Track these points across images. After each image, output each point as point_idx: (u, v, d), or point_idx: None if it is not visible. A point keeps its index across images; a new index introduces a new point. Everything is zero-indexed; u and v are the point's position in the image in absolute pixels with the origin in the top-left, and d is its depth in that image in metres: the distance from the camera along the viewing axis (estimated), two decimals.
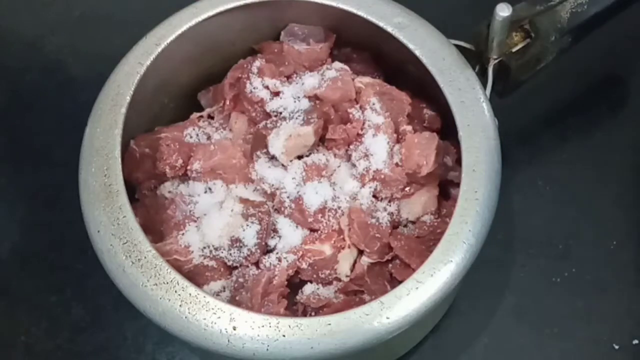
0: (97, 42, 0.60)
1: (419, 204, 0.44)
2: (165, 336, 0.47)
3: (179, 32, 0.43)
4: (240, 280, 0.41)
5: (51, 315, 0.50)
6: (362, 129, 0.43)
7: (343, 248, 0.42)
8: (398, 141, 0.44)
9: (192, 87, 0.48)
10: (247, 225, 0.41)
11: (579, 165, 0.53)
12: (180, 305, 0.36)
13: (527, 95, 0.48)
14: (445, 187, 0.45)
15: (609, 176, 0.53)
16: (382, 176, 0.42)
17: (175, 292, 0.36)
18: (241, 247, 0.41)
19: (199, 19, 0.44)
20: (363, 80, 0.45)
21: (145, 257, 0.37)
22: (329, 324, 0.35)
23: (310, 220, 0.42)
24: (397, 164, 0.43)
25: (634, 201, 0.52)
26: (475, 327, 0.49)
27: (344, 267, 0.42)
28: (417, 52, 0.43)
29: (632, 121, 0.55)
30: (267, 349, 0.35)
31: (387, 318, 0.35)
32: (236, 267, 0.42)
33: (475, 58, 0.44)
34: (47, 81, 0.59)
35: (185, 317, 0.36)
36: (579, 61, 0.53)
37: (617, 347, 0.48)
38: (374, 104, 0.44)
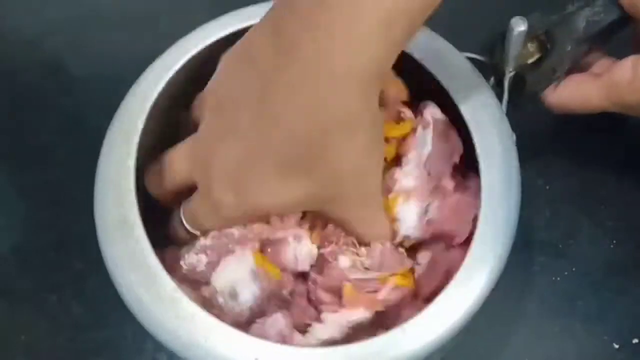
0: (98, 41, 0.60)
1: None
2: None
3: (190, 55, 0.43)
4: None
5: (51, 314, 0.50)
6: (389, 193, 0.40)
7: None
8: (434, 195, 0.41)
9: None
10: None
11: (579, 165, 0.53)
12: (204, 339, 0.35)
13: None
14: None
15: (609, 176, 0.53)
16: (410, 238, 0.41)
17: (196, 324, 0.36)
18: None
19: (209, 41, 0.43)
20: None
21: (164, 291, 0.37)
22: (348, 355, 0.35)
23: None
24: (427, 222, 0.41)
25: (634, 201, 0.52)
26: (475, 326, 0.49)
27: None
28: (429, 67, 0.42)
29: (632, 120, 0.55)
30: None
31: (410, 345, 0.35)
32: None
33: (490, 70, 0.44)
34: (47, 81, 0.59)
35: (207, 351, 0.35)
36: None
37: (617, 346, 0.48)
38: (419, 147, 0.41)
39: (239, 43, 0.39)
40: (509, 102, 0.44)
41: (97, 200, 0.40)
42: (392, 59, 0.35)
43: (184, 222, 0.41)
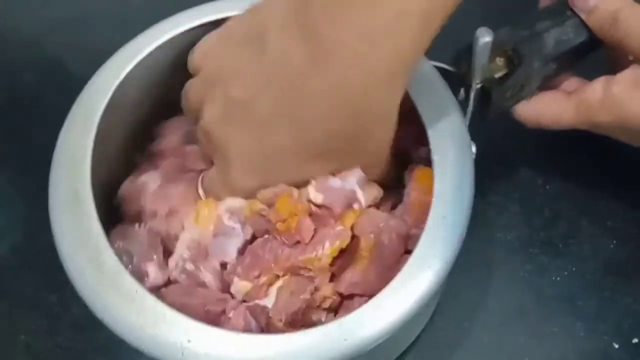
0: (98, 40, 0.59)
1: None
2: None
3: (163, 40, 0.43)
4: None
5: (51, 314, 0.50)
6: None
7: None
8: None
9: (176, 96, 0.47)
10: None
11: (578, 165, 0.53)
12: (136, 315, 0.36)
13: None
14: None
15: (609, 175, 0.53)
16: None
17: (133, 301, 0.36)
18: None
19: (185, 27, 0.44)
20: None
21: (106, 265, 0.37)
22: (289, 342, 0.35)
23: None
24: None
25: (634, 201, 0.52)
26: (475, 326, 0.49)
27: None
28: None
29: None
30: None
31: (345, 340, 0.35)
32: None
33: (459, 80, 0.44)
34: (47, 81, 0.59)
35: (140, 327, 0.35)
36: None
37: (617, 346, 0.48)
38: None
39: (243, 23, 0.40)
40: (475, 114, 0.44)
41: (53, 171, 0.41)
42: (426, 48, 0.36)
43: (200, 187, 0.43)
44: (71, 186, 0.40)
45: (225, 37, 0.40)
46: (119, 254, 0.38)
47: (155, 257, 0.41)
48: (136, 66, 0.43)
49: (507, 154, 0.54)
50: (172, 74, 0.46)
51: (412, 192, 0.42)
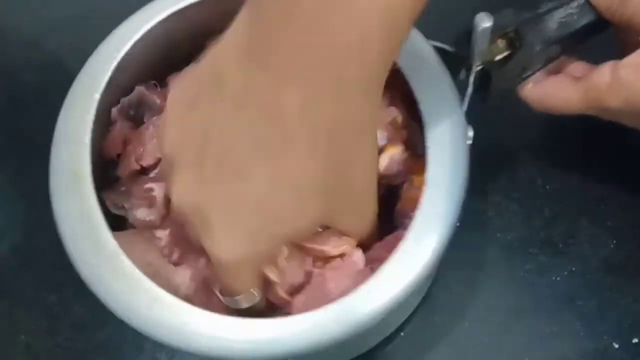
0: (98, 40, 0.59)
1: None
2: None
3: (163, 16, 0.43)
4: None
5: (51, 314, 0.50)
6: None
7: None
8: None
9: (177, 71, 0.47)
10: None
11: (578, 165, 0.53)
12: (132, 296, 0.37)
13: None
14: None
15: (609, 176, 0.53)
16: None
17: (132, 284, 0.37)
18: None
19: (180, 5, 0.43)
20: None
21: (107, 248, 0.38)
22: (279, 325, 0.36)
23: None
24: None
25: (634, 201, 0.52)
26: (475, 326, 0.49)
27: None
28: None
29: None
30: (216, 348, 0.36)
31: (333, 326, 0.36)
32: None
33: (459, 60, 0.43)
34: (47, 81, 0.59)
35: (139, 309, 0.36)
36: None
37: (617, 346, 0.48)
38: None
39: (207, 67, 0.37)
40: (475, 96, 0.43)
41: (54, 152, 0.41)
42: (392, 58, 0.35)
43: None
44: (71, 168, 0.40)
45: (178, 104, 0.38)
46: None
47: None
48: (135, 44, 0.43)
49: (507, 153, 0.54)
50: (174, 50, 0.46)
51: (408, 186, 0.42)
